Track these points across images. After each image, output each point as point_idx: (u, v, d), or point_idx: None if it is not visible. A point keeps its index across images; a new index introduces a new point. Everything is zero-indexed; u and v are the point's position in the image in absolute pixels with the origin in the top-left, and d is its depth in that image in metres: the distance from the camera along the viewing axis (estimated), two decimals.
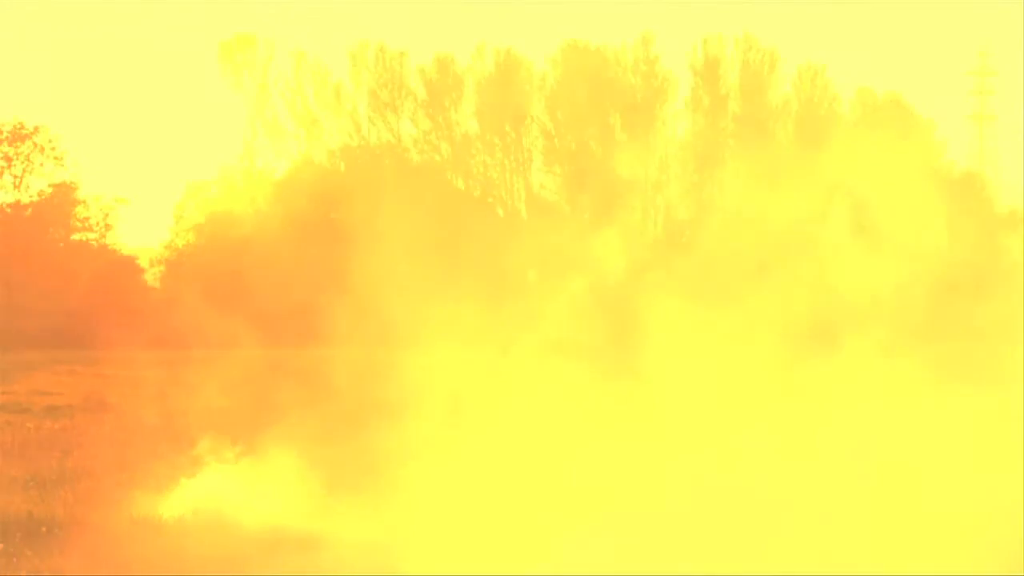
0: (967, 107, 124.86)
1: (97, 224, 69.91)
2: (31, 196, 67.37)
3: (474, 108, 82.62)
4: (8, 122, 66.92)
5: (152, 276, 73.08)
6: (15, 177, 66.52)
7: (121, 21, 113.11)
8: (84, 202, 69.34)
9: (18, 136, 66.47)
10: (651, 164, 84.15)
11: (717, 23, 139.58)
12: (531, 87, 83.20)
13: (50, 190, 67.51)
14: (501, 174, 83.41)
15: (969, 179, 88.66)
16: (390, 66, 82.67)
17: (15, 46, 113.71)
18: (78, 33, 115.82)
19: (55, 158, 66.96)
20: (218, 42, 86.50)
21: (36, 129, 67.03)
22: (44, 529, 5.51)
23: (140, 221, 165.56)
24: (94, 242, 69.82)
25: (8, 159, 66.26)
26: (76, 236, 70.13)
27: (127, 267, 68.84)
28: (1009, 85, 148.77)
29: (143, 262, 71.37)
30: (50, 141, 66.96)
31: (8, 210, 66.19)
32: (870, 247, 20.86)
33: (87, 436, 10.43)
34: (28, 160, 66.62)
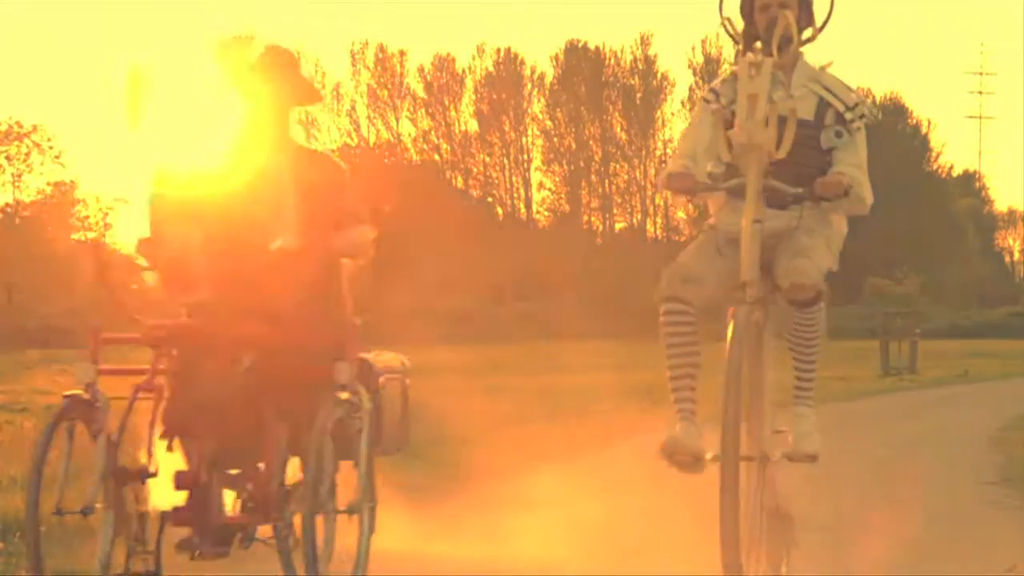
0: (967, 107, 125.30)
1: (97, 224, 69.96)
2: (30, 196, 67.36)
3: (474, 108, 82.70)
4: (5, 121, 66.83)
5: (152, 276, 72.96)
6: (14, 176, 66.48)
7: (120, 21, 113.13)
8: (83, 201, 69.36)
9: (15, 135, 66.34)
10: (651, 164, 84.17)
11: (716, 23, 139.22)
12: (531, 87, 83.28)
13: (49, 189, 67.48)
14: (501, 174, 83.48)
15: (969, 179, 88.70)
16: (390, 66, 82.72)
17: (15, 46, 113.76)
18: (78, 33, 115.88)
19: (54, 157, 66.90)
20: (217, 42, 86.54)
21: (34, 128, 66.94)
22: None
23: (140, 221, 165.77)
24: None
25: (9, 158, 66.18)
26: (76, 236, 70.16)
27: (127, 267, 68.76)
28: (1009, 85, 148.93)
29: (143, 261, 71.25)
30: (48, 140, 66.87)
31: (8, 210, 66.14)
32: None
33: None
34: (27, 159, 66.53)
